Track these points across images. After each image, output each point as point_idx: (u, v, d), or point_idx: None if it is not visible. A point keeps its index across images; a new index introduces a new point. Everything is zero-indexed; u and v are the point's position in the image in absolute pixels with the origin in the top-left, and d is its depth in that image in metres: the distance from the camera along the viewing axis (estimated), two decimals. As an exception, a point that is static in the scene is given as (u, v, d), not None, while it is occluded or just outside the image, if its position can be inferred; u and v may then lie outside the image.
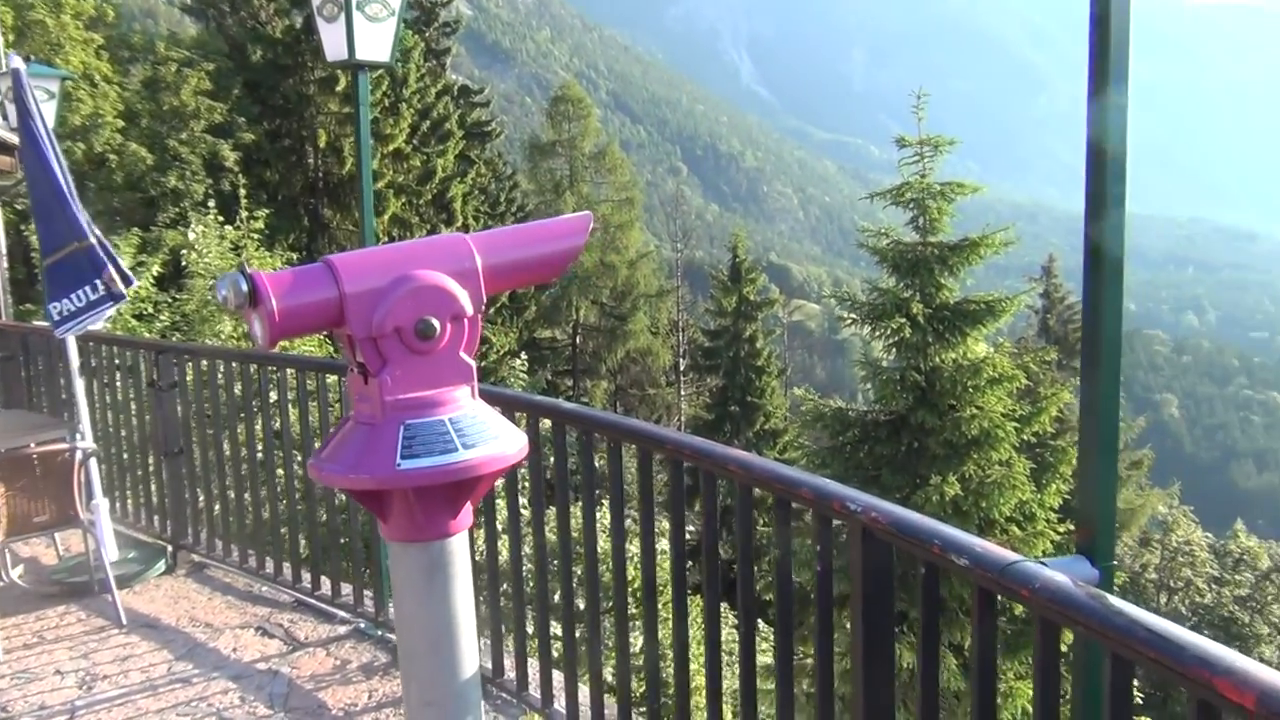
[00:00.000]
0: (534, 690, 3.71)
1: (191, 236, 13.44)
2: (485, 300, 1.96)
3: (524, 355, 26.56)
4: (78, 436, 5.43)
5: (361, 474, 1.85)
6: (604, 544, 3.29)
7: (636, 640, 3.41)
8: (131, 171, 20.83)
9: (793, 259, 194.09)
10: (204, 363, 5.61)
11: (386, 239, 21.65)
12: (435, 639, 1.97)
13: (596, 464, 3.46)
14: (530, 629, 3.85)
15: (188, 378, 5.62)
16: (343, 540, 4.93)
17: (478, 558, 4.14)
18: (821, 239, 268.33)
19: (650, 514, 2.90)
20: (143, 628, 4.83)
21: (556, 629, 3.53)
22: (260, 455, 5.23)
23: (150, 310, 12.40)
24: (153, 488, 6.09)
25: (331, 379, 4.87)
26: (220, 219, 13.79)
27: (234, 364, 5.49)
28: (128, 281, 5.26)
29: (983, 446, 11.16)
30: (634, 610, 3.41)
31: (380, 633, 4.56)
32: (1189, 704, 1.35)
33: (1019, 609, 10.66)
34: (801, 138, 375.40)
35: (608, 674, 3.47)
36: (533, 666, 3.78)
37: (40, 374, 7.30)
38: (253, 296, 1.78)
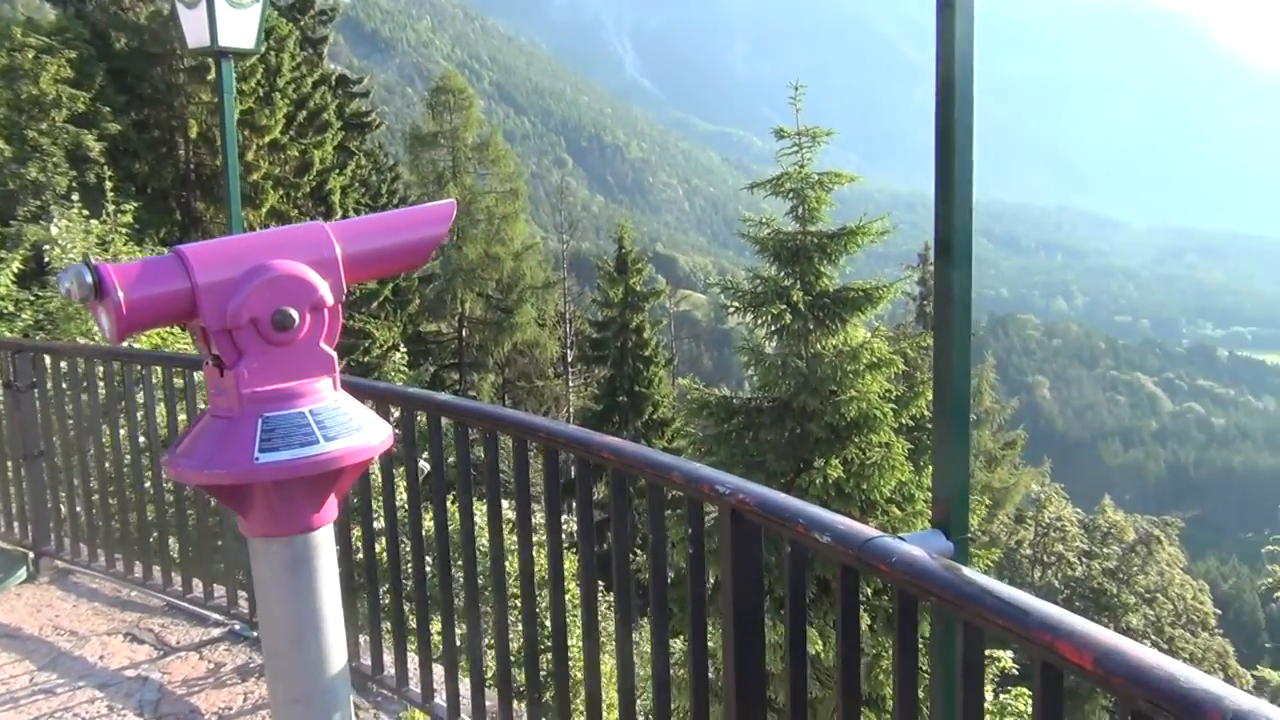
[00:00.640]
0: (414, 685, 3.66)
1: (54, 231, 12.86)
2: (346, 290, 1.92)
3: (403, 349, 26.18)
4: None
5: (217, 469, 1.79)
6: (491, 537, 3.27)
7: (519, 632, 3.39)
8: (-13, 164, 19.85)
9: (679, 249, 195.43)
10: (64, 362, 5.38)
11: (263, 232, 21.00)
12: (300, 635, 1.93)
13: (477, 457, 3.43)
14: (412, 624, 3.80)
15: (48, 377, 5.38)
16: (219, 542, 4.79)
17: (357, 555, 4.07)
18: (707, 229, 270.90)
19: (526, 503, 2.90)
20: (2, 639, 4.62)
21: (440, 625, 3.49)
22: (127, 456, 5.04)
23: (11, 309, 11.85)
24: (11, 492, 5.83)
25: (201, 376, 4.73)
26: (85, 213, 13.23)
27: (97, 362, 5.27)
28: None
29: (863, 430, 11.39)
30: (515, 602, 3.39)
31: (256, 634, 4.45)
32: (1033, 665, 1.41)
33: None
34: (686, 129, 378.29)
35: (492, 666, 3.44)
36: (413, 661, 3.73)
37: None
38: (98, 289, 1.71)
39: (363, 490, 3.74)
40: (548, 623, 3.01)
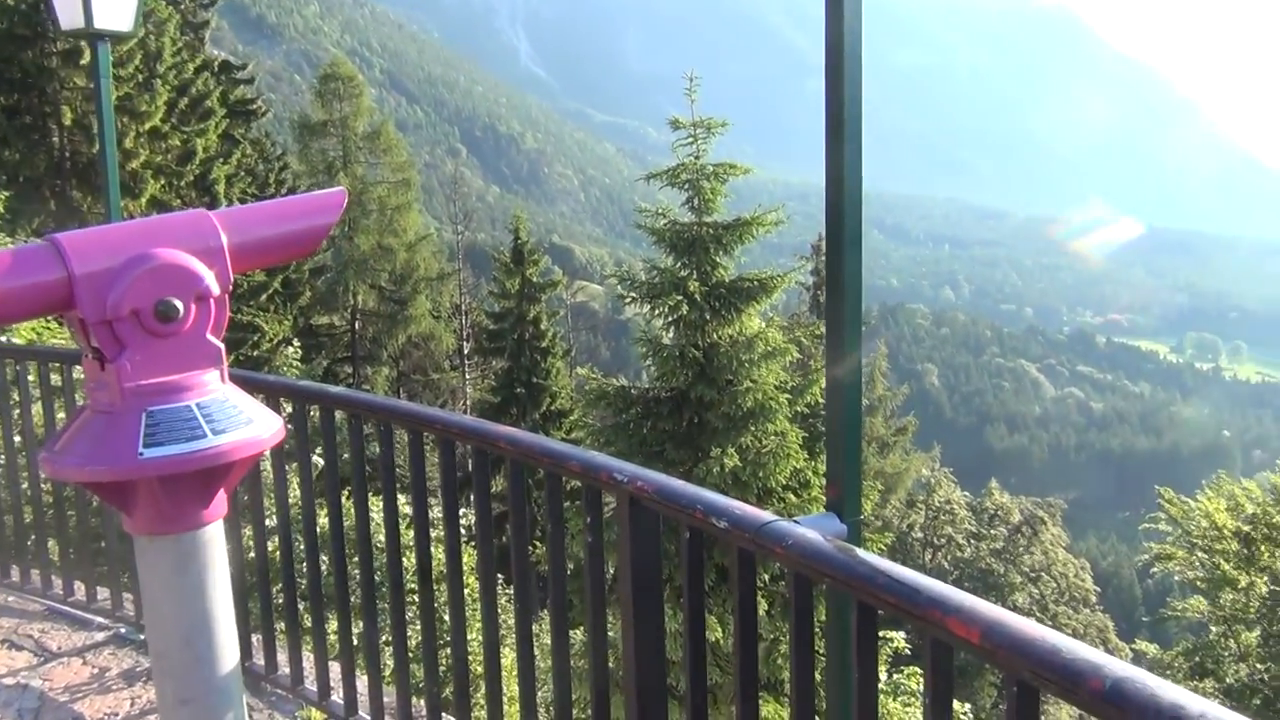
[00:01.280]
0: (310, 684, 3.59)
1: (-82, 221, 12.29)
2: (233, 279, 1.87)
3: (297, 343, 25.61)
4: None
5: (99, 465, 1.73)
6: (387, 532, 3.21)
7: (419, 628, 3.34)
8: None
9: (575, 240, 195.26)
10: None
11: (145, 223, 20.31)
12: (189, 635, 1.87)
13: (373, 451, 3.37)
14: (308, 623, 3.72)
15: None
16: (102, 543, 4.63)
17: (249, 553, 3.97)
18: (603, 220, 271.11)
19: (422, 497, 2.85)
20: None
21: (337, 622, 3.42)
22: (1, 456, 4.83)
23: None
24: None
25: (81, 372, 4.55)
26: (-49, 202, 12.65)
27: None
28: None
29: (759, 418, 11.53)
30: (414, 598, 3.35)
31: (142, 637, 4.31)
32: (924, 642, 1.44)
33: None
34: (581, 119, 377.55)
35: (390, 663, 3.39)
36: (309, 660, 3.66)
37: None
38: (-36, 279, 1.64)
39: (255, 486, 3.65)
40: (447, 617, 2.98)
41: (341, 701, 3.38)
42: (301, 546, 3.85)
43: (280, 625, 3.78)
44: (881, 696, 12.10)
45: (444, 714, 3.09)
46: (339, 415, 3.25)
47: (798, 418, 12.31)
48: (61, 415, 4.56)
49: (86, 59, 21.26)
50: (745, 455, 11.38)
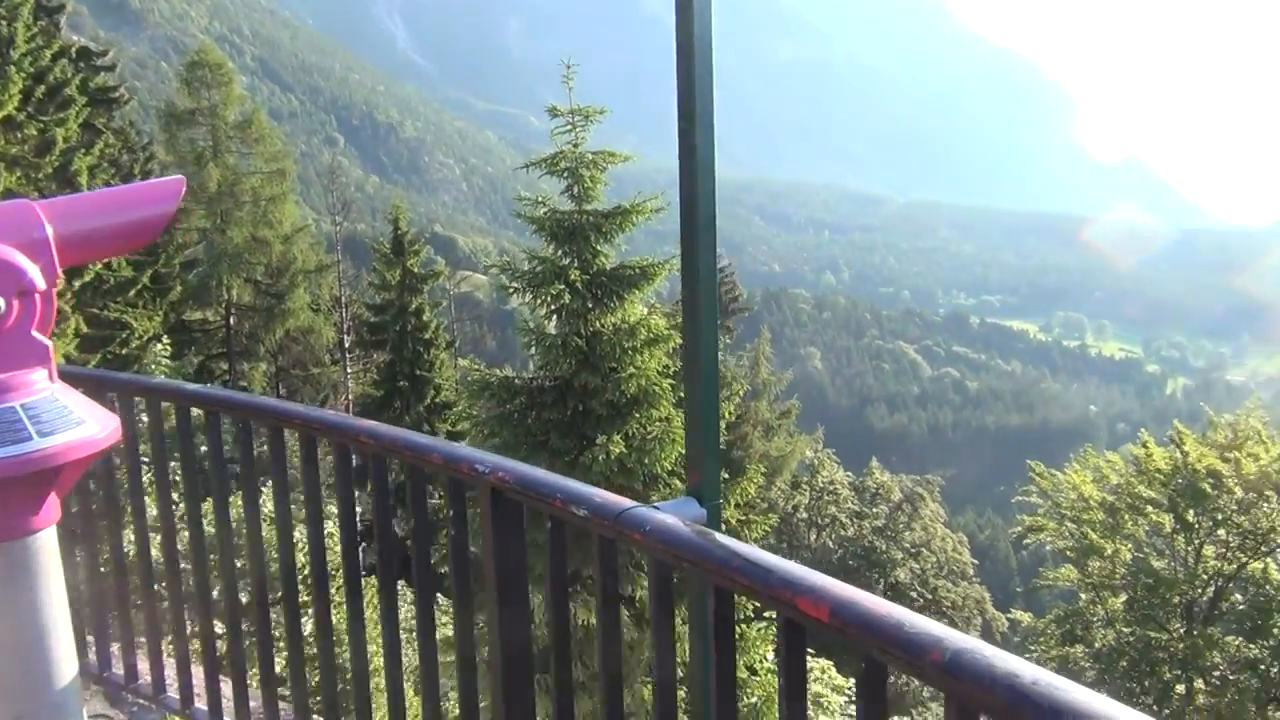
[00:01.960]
0: (173, 691, 3.46)
1: None
2: (60, 272, 1.77)
3: (166, 339, 24.75)
4: None
5: (-87, 473, 1.62)
6: (267, 531, 3.11)
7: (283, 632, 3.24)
8: None
9: (458, 230, 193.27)
10: None
11: (-1, 217, 19.36)
12: (23, 648, 1.77)
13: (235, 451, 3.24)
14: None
15: None
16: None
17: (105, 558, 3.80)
18: (486, 209, 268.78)
19: (284, 495, 2.77)
20: None
21: (200, 627, 3.30)
22: None
23: None
24: None
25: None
26: None
27: None
28: None
29: (643, 405, 11.58)
30: (275, 599, 3.25)
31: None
32: (778, 622, 1.45)
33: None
34: (462, 108, 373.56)
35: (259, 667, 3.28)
36: (171, 667, 3.53)
37: None
38: None
39: (108, 488, 3.49)
40: (330, 619, 2.89)
41: (206, 709, 3.26)
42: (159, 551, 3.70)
43: (141, 633, 3.63)
44: (769, 677, 12.24)
45: (314, 716, 3.02)
46: (196, 413, 3.13)
47: (682, 403, 12.40)
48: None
49: (-70, 44, 20.18)
50: (631, 442, 11.42)
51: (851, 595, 1.34)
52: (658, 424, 11.56)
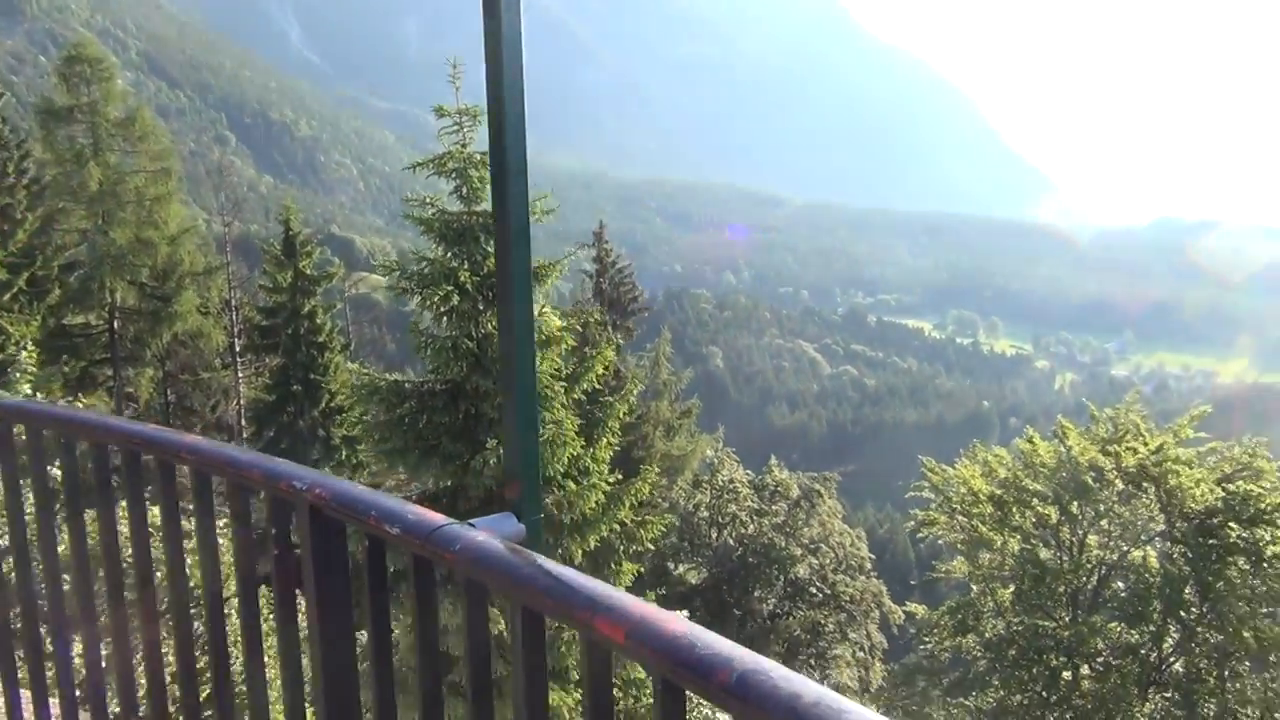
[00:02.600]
0: None
1: None
2: None
3: (31, 346, 23.74)
4: None
5: None
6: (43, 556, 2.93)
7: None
8: None
9: (356, 230, 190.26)
10: None
11: None
12: None
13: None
14: None
15: None
16: None
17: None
18: (384, 210, 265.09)
19: (111, 518, 2.62)
20: None
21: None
22: None
23: None
24: None
25: None
26: None
27: None
28: None
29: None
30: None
31: None
32: (581, 646, 1.39)
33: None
34: (359, 107, 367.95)
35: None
36: None
37: None
38: None
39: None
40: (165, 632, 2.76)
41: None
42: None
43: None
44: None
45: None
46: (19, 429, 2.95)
47: (575, 405, 12.36)
48: None
49: None
50: (522, 445, 11.32)
51: (647, 615, 1.29)
52: (550, 426, 11.50)
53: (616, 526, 12.64)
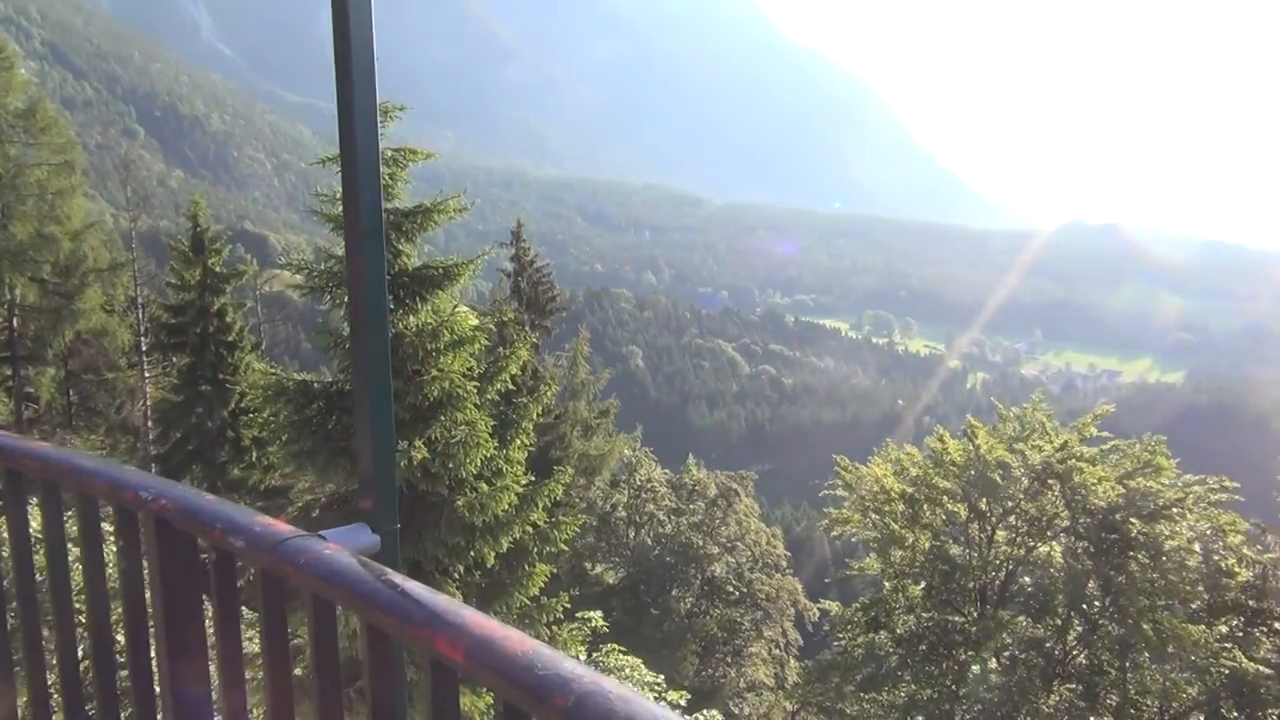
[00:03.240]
0: None
1: None
2: None
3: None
4: None
5: None
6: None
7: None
8: None
9: (270, 227, 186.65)
10: None
11: None
12: None
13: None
14: None
15: None
16: None
17: None
18: (299, 206, 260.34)
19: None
20: None
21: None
22: None
23: None
24: None
25: None
26: None
27: None
28: None
29: (447, 408, 11.37)
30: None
31: None
32: (425, 665, 1.31)
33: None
34: (272, 101, 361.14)
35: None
36: None
37: None
38: None
39: None
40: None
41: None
42: None
43: None
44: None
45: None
46: None
47: (488, 405, 12.21)
48: None
49: None
50: (434, 447, 11.21)
51: (488, 633, 1.21)
52: (462, 428, 11.35)
53: (530, 528, 12.51)
